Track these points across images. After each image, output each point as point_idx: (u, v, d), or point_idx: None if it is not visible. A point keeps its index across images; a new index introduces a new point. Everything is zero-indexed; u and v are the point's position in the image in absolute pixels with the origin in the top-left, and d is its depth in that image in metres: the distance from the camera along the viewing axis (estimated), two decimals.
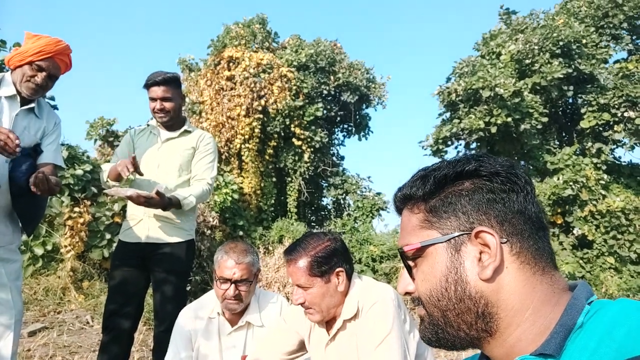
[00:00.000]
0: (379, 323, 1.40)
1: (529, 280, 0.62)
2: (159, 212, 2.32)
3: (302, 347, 1.68)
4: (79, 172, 5.73)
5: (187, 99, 10.18)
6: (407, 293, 0.70)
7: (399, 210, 0.75)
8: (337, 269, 1.49)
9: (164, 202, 2.18)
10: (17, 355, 2.66)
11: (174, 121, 2.49)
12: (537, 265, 0.63)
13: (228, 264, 1.81)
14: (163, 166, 2.44)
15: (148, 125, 2.57)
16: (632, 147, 10.56)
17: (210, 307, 1.96)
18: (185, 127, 2.52)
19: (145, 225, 2.39)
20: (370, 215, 11.35)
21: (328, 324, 1.55)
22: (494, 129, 9.63)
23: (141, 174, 2.29)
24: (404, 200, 0.73)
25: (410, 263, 0.70)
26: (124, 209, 5.23)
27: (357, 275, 1.58)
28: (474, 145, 11.00)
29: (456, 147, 11.25)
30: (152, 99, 2.42)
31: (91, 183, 5.87)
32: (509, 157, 10.52)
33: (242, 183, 9.81)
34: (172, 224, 2.41)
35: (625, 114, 9.81)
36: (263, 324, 1.90)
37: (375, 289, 1.51)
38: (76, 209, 5.44)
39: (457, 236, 0.65)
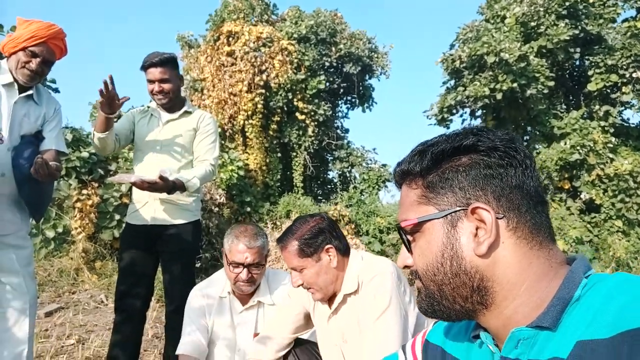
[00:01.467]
0: (378, 296, 1.44)
1: (525, 255, 0.62)
2: (164, 195, 2.34)
3: (308, 321, 1.74)
4: (85, 154, 5.76)
5: (188, 77, 10.09)
6: (405, 266, 0.72)
7: (399, 185, 0.75)
8: (326, 246, 1.54)
9: (168, 185, 2.20)
10: (35, 336, 2.75)
11: (173, 102, 2.48)
12: (534, 239, 0.63)
13: (240, 248, 1.84)
14: (165, 149, 2.44)
15: (148, 107, 2.56)
16: None
17: (220, 286, 2.00)
18: (185, 108, 2.51)
19: (151, 208, 2.42)
20: (377, 187, 11.37)
21: (330, 299, 1.60)
22: (499, 96, 9.50)
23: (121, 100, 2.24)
24: (402, 175, 0.73)
25: (409, 237, 0.70)
26: (131, 190, 5.27)
27: (356, 251, 1.61)
28: (479, 112, 10.88)
29: (461, 115, 11.14)
30: (150, 81, 2.40)
31: (97, 165, 5.92)
32: (515, 123, 10.42)
33: (247, 159, 9.82)
34: (177, 206, 2.43)
35: (634, 75, 9.61)
36: (274, 302, 1.95)
37: (375, 263, 1.55)
38: (84, 192, 5.50)
39: (453, 212, 0.65)
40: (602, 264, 8.59)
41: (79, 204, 5.41)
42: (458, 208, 0.65)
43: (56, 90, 6.09)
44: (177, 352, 1.88)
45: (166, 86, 2.40)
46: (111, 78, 2.15)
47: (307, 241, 1.52)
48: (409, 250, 0.71)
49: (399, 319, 1.41)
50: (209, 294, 2.00)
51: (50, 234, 5.25)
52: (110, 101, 2.19)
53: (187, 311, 1.98)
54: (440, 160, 0.68)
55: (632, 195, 9.31)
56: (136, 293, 2.37)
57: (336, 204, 9.79)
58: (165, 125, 2.48)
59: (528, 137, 10.80)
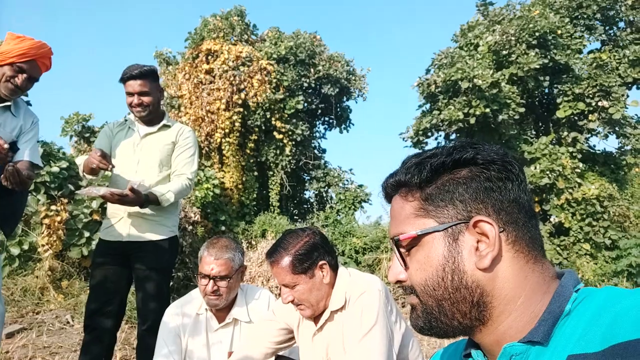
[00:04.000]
0: (365, 314, 1.42)
1: (522, 269, 0.62)
2: (138, 209, 2.28)
3: (290, 337, 1.69)
4: (55, 169, 5.59)
5: (165, 93, 10.01)
6: (398, 282, 0.69)
7: (389, 197, 0.73)
8: (320, 262, 1.50)
9: (140, 199, 2.14)
10: None
11: (152, 115, 2.44)
12: (530, 253, 0.63)
13: (207, 259, 1.83)
14: (143, 162, 2.39)
15: (126, 120, 2.51)
16: (606, 136, 10.83)
17: (197, 304, 1.95)
18: (164, 122, 2.48)
19: (126, 223, 2.35)
20: (353, 207, 11.39)
21: (316, 316, 1.56)
22: (472, 120, 9.76)
23: (113, 166, 2.24)
24: (396, 186, 0.71)
25: (403, 252, 0.68)
26: (102, 206, 5.13)
27: (343, 267, 1.59)
28: (453, 136, 11.12)
29: (436, 139, 11.36)
30: (129, 94, 2.36)
31: (68, 180, 5.74)
32: None
33: (223, 178, 9.72)
34: (153, 221, 2.37)
35: (600, 104, 10.04)
36: (250, 320, 1.89)
37: (363, 279, 1.52)
38: (53, 207, 5.31)
39: (454, 225, 0.64)
40: None
41: (47, 220, 5.22)
42: (459, 221, 0.64)
43: (28, 103, 5.93)
44: None
45: (146, 99, 2.36)
46: (103, 153, 2.18)
47: (301, 257, 1.47)
48: (403, 264, 0.68)
49: (385, 338, 1.39)
50: (186, 312, 1.95)
51: (15, 251, 5.02)
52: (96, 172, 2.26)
53: (161, 331, 1.91)
54: (439, 173, 0.66)
55: (599, 219, 9.61)
56: (107, 311, 2.27)
57: (312, 223, 9.76)
58: (144, 138, 2.43)
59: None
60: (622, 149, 11.13)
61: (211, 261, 1.82)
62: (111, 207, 2.39)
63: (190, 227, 7.20)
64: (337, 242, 9.49)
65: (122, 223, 2.34)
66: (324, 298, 1.50)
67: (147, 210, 2.31)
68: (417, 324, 0.68)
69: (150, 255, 2.32)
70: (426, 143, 11.51)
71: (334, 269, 1.55)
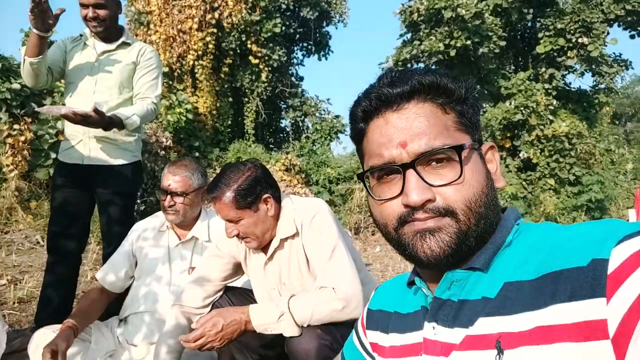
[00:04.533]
0: (325, 234, 1.46)
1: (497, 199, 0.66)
2: (100, 132, 2.20)
3: (237, 270, 1.71)
4: (16, 86, 5.31)
5: (132, 8, 9.38)
6: (427, 201, 0.59)
7: (406, 95, 0.62)
8: (264, 196, 1.49)
9: (104, 121, 2.06)
10: None
11: (109, 31, 2.29)
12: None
13: (166, 175, 1.90)
14: (101, 83, 2.28)
15: (81, 35, 2.35)
16: (582, 74, 10.88)
17: (160, 221, 2.02)
18: (123, 39, 2.33)
19: (85, 146, 2.28)
20: (329, 137, 11.38)
21: (264, 246, 1.58)
22: (453, 52, 9.59)
23: (63, 10, 2.08)
24: (434, 91, 0.62)
25: (434, 166, 0.61)
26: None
27: (285, 195, 1.60)
28: (433, 68, 10.97)
29: None
30: (83, 5, 2.19)
31: (30, 99, 5.48)
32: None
33: (196, 103, 9.46)
34: (115, 145, 2.31)
35: (580, 40, 9.95)
36: (210, 239, 1.96)
37: (309, 203, 1.55)
38: (16, 126, 5.12)
39: (482, 146, 0.67)
40: (532, 218, 9.23)
41: (10, 140, 5.05)
42: (479, 143, 0.66)
43: None
44: (97, 276, 1.96)
45: (101, 12, 2.20)
46: None
47: (244, 192, 1.45)
48: (425, 182, 0.60)
49: (348, 253, 1.45)
50: (149, 226, 2.03)
51: None
52: (42, 14, 1.98)
53: (122, 243, 2.01)
54: (469, 93, 0.65)
55: (566, 156, 9.92)
56: (70, 234, 2.27)
57: (287, 153, 9.74)
58: (101, 56, 2.30)
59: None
60: (596, 88, 11.25)
61: (169, 177, 1.89)
62: (70, 128, 2.30)
63: (163, 152, 7.10)
64: (311, 172, 9.57)
65: (81, 145, 2.28)
66: (269, 230, 1.51)
67: (109, 134, 2.24)
68: (440, 247, 0.59)
69: (112, 180, 2.28)
70: None
71: (278, 200, 1.54)
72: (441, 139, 0.61)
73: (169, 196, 1.87)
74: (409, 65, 10.88)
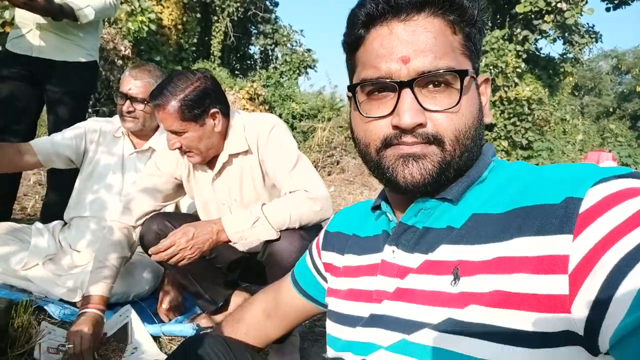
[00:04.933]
0: (285, 147, 1.43)
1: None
2: (51, 22, 2.01)
3: (178, 191, 1.64)
4: None
5: None
6: (418, 125, 0.56)
7: (417, 5, 0.56)
8: (212, 110, 1.40)
9: (53, 8, 1.87)
10: None
11: None
12: None
13: (127, 79, 1.76)
14: None
15: None
16: (555, 40, 10.99)
17: (115, 126, 1.90)
18: None
19: (35, 36, 2.08)
20: (298, 71, 11.09)
21: (210, 162, 1.51)
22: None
23: None
24: (449, 8, 0.56)
25: (431, 89, 0.57)
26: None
27: (235, 111, 1.52)
28: None
29: None
30: None
31: None
32: None
33: (161, 13, 8.82)
34: (68, 40, 2.12)
35: (559, 5, 9.95)
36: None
37: (263, 118, 1.50)
38: None
39: (479, 76, 0.62)
40: None
41: None
42: (478, 74, 0.62)
43: None
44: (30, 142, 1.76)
45: None
46: None
47: (191, 103, 1.35)
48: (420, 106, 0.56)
49: (310, 162, 1.44)
50: (103, 128, 1.90)
51: None
52: None
53: (74, 130, 1.87)
54: (480, 16, 0.59)
55: (523, 120, 10.23)
56: (16, 130, 2.12)
57: (253, 81, 9.43)
58: None
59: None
60: (564, 56, 11.45)
61: (130, 81, 1.75)
62: (19, 15, 2.08)
63: (120, 62, 6.66)
64: (275, 105, 9.37)
65: (31, 35, 2.07)
66: (214, 145, 1.44)
67: (61, 25, 2.05)
68: (421, 174, 0.57)
69: (64, 77, 2.12)
70: None
71: (226, 116, 1.46)
72: (446, 61, 0.56)
73: (128, 101, 1.75)
74: None
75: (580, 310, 0.43)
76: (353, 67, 0.64)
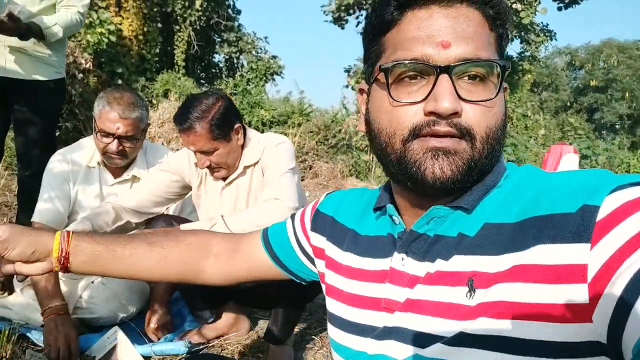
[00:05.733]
0: (284, 158, 1.49)
1: None
2: (17, 41, 1.94)
3: (183, 192, 1.70)
4: None
5: None
6: (453, 114, 0.53)
7: None
8: (236, 126, 1.51)
9: (20, 28, 1.81)
10: None
11: None
12: None
13: (111, 116, 1.63)
14: None
15: None
16: (512, 40, 11.38)
17: (87, 154, 1.81)
18: None
19: (2, 56, 2.00)
20: (264, 78, 11.04)
21: None
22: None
23: None
24: (489, 4, 0.55)
25: (467, 81, 0.55)
26: None
27: (249, 129, 1.62)
28: None
29: (357, 17, 11.03)
30: None
31: None
32: None
33: (121, 24, 8.63)
34: (36, 59, 2.06)
35: (514, 5, 10.32)
36: None
37: (275, 135, 1.59)
38: None
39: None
40: None
41: None
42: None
43: None
44: (32, 219, 1.69)
45: None
46: None
47: (219, 122, 1.46)
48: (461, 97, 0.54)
49: (298, 183, 1.48)
50: (74, 160, 1.80)
51: None
52: None
53: (46, 177, 1.77)
54: (510, 19, 0.58)
55: None
56: None
57: (220, 89, 9.34)
58: None
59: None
60: (522, 55, 11.87)
61: (117, 119, 1.63)
62: None
63: (81, 75, 6.47)
64: (244, 113, 9.28)
65: (0, 55, 2.00)
66: (238, 158, 1.54)
67: (27, 44, 1.99)
68: (452, 170, 0.54)
69: (32, 96, 2.05)
70: (346, 21, 11.14)
71: (245, 130, 1.58)
72: (487, 52, 0.54)
73: (116, 141, 1.65)
74: (351, 11, 10.69)
75: (601, 319, 0.42)
76: (379, 52, 0.59)
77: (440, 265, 0.57)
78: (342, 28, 11.27)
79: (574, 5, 11.01)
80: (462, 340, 0.51)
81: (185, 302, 1.66)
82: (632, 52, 21.45)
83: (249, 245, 0.86)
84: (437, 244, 0.59)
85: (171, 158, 1.71)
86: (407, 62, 0.54)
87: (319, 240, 0.78)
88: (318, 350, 1.64)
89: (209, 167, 1.50)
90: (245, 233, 0.90)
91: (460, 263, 0.55)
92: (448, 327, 0.53)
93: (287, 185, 1.41)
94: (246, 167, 1.57)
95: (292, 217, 0.86)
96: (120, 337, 1.44)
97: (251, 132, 1.61)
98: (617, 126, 22.14)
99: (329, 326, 0.73)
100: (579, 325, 0.44)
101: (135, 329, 1.61)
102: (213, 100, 1.48)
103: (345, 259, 0.71)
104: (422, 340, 0.55)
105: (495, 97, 0.54)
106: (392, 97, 0.56)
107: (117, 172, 1.82)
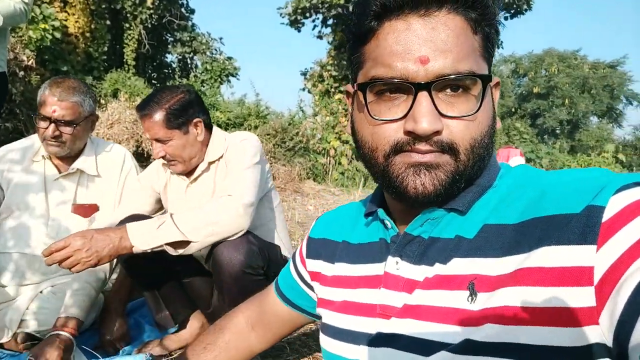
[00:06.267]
0: (248, 153, 1.45)
1: None
2: None
3: (158, 206, 1.69)
4: None
5: None
6: (434, 133, 0.51)
7: (441, 1, 0.51)
8: (195, 120, 1.49)
9: None
10: None
11: None
12: None
13: (49, 99, 1.57)
14: None
15: None
16: None
17: (33, 150, 1.70)
18: None
19: None
20: (219, 80, 10.84)
21: (189, 171, 1.56)
22: (352, 8, 9.65)
23: None
24: (472, 5, 0.52)
25: (448, 94, 0.53)
26: None
27: (218, 129, 1.61)
28: (330, 21, 10.96)
29: (313, 21, 11.05)
30: None
31: None
32: None
33: (66, 21, 8.19)
34: None
35: None
36: (98, 173, 1.71)
37: (244, 133, 1.57)
38: None
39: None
40: None
41: None
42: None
43: None
44: None
45: None
46: None
47: (175, 112, 1.45)
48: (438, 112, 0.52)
49: (260, 179, 1.43)
50: (17, 153, 1.69)
51: None
52: None
53: None
54: (498, 14, 0.55)
55: None
56: None
57: (191, 86, 9.05)
58: None
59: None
60: None
61: (54, 102, 1.56)
62: None
63: (22, 73, 6.07)
64: None
65: None
66: (196, 155, 1.51)
67: None
68: (434, 185, 0.53)
69: None
70: (303, 24, 11.13)
71: (208, 127, 1.55)
72: (467, 64, 0.51)
73: (53, 125, 1.56)
74: (307, 14, 10.69)
75: (608, 323, 0.42)
76: (360, 62, 0.58)
77: (438, 268, 0.55)
78: (299, 31, 11.25)
79: (519, 15, 11.58)
80: (469, 348, 0.48)
81: (149, 308, 1.57)
82: (571, 61, 22.87)
83: (269, 303, 0.87)
84: (432, 246, 0.57)
85: (140, 175, 1.71)
86: (385, 80, 0.53)
87: (315, 264, 0.77)
88: None
89: (163, 157, 1.49)
90: (263, 292, 0.90)
91: (460, 266, 0.53)
92: (451, 333, 0.50)
93: (246, 181, 1.37)
94: (210, 163, 1.54)
95: (293, 255, 0.85)
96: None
97: (219, 131, 1.58)
98: (557, 131, 23.49)
99: (321, 336, 0.70)
100: (586, 328, 0.43)
101: (88, 342, 1.49)
102: (177, 91, 1.49)
103: (336, 270, 0.70)
104: (423, 347, 0.52)
105: (477, 111, 0.53)
106: (371, 115, 0.55)
107: (62, 166, 1.71)
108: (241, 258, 1.25)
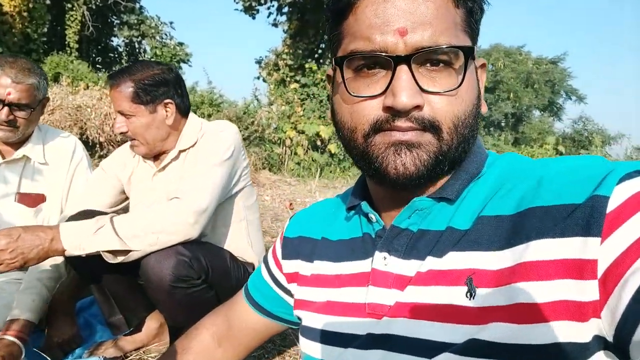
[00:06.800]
0: (220, 147, 1.36)
1: None
2: None
3: (123, 197, 1.57)
4: None
5: None
6: (415, 107, 0.49)
7: None
8: (166, 100, 1.39)
9: None
10: None
11: None
12: None
13: (2, 81, 1.44)
14: None
15: None
16: None
17: None
18: None
19: None
20: None
21: (157, 157, 1.47)
22: None
23: None
24: None
25: (429, 68, 0.50)
26: None
27: (197, 117, 1.50)
28: (285, 9, 10.82)
29: (269, 8, 10.87)
30: None
31: None
32: (317, 27, 10.78)
33: None
34: None
35: None
36: (46, 161, 1.58)
37: (221, 123, 1.47)
38: None
39: (476, 60, 0.55)
40: None
41: None
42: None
43: None
44: None
45: None
46: None
47: (145, 87, 1.35)
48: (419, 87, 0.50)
49: (228, 176, 1.36)
50: None
51: None
52: None
53: None
54: None
55: None
56: None
57: (175, 66, 8.62)
58: None
59: (323, 45, 11.36)
60: None
61: (8, 84, 1.43)
62: None
63: None
64: None
65: None
66: (162, 139, 1.41)
67: None
68: (415, 165, 0.51)
69: None
70: (257, 11, 10.93)
71: (182, 113, 1.44)
72: (447, 37, 0.49)
73: (6, 108, 1.44)
74: (262, 1, 10.49)
75: (610, 317, 0.40)
76: (339, 39, 0.55)
77: (432, 263, 0.52)
78: (253, 18, 11.02)
79: None
80: (475, 349, 0.46)
81: (101, 309, 1.45)
82: (516, 56, 23.84)
83: (237, 313, 0.80)
84: (422, 239, 0.55)
85: (103, 163, 1.57)
86: (363, 54, 0.50)
87: (291, 265, 0.72)
88: None
89: (124, 134, 1.38)
90: (229, 301, 0.83)
91: (456, 260, 0.50)
92: (453, 333, 0.48)
93: (203, 183, 1.27)
94: (181, 151, 1.43)
95: (265, 258, 0.79)
96: None
97: (195, 118, 1.48)
98: (502, 124, 24.54)
99: (301, 340, 0.65)
100: (591, 321, 0.42)
101: (34, 345, 1.37)
102: (154, 67, 1.39)
103: (316, 269, 0.66)
104: (422, 348, 0.49)
105: (460, 85, 0.51)
106: (349, 92, 0.52)
107: (8, 151, 1.57)
108: (168, 272, 1.14)
